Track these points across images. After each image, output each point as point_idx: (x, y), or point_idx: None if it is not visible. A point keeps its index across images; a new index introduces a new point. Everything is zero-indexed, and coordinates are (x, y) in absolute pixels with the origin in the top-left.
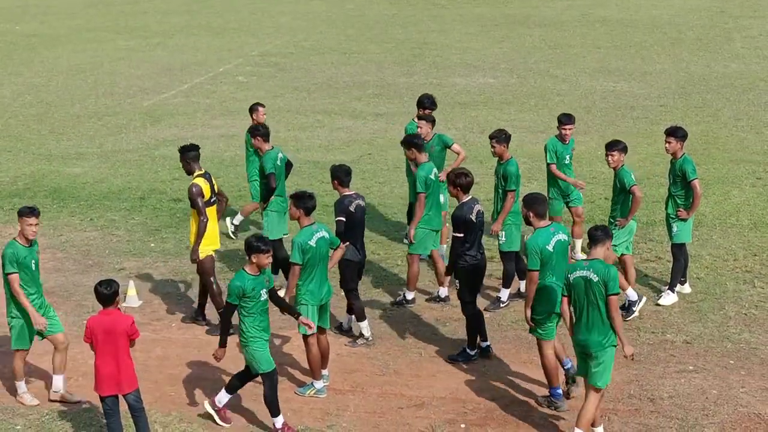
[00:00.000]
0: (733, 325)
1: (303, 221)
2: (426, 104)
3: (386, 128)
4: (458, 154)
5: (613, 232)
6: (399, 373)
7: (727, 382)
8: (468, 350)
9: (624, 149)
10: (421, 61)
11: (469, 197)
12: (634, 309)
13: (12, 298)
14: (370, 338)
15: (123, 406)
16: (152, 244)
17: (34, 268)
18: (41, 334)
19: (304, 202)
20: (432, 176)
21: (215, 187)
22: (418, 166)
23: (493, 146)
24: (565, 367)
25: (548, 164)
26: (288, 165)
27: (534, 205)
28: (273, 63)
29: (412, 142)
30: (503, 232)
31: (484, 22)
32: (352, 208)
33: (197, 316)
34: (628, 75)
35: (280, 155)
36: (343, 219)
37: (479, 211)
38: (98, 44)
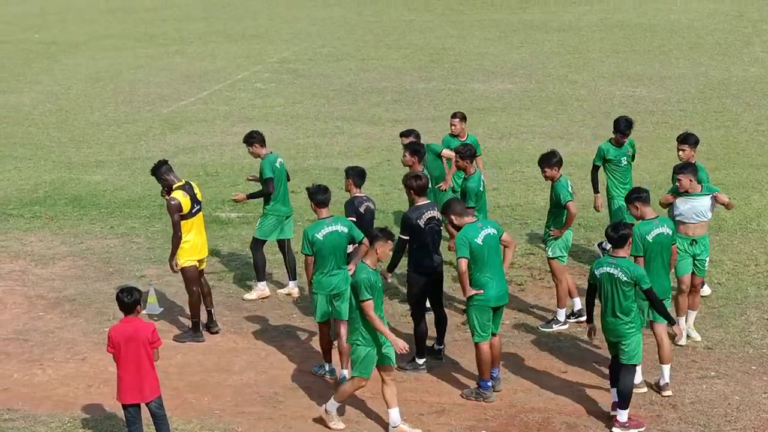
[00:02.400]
0: (755, 331)
1: (319, 213)
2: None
3: None
4: (450, 158)
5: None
6: (419, 380)
7: (749, 388)
8: (416, 359)
9: (696, 143)
10: (439, 67)
11: (426, 201)
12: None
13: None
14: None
15: (145, 414)
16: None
17: None
18: None
19: (315, 195)
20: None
21: (197, 196)
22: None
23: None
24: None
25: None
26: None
27: (451, 206)
28: (291, 70)
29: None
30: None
31: (503, 27)
32: (362, 210)
33: (209, 324)
34: (647, 80)
35: (279, 160)
36: (354, 219)
37: (432, 216)
38: (117, 52)
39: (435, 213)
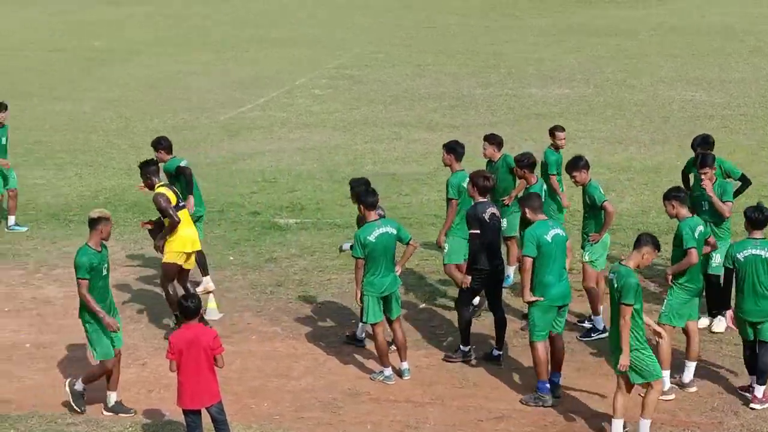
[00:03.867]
0: None
1: (368, 216)
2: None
3: (463, 140)
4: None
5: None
6: (478, 386)
7: None
8: (462, 347)
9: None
10: (496, 72)
11: (486, 199)
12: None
13: None
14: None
15: (206, 419)
16: (231, 257)
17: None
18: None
19: (366, 198)
20: (464, 184)
21: (179, 195)
22: (452, 174)
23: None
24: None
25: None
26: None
27: (529, 200)
28: (348, 75)
29: (450, 147)
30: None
31: (559, 31)
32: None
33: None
34: (706, 84)
35: (183, 162)
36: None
37: (493, 213)
38: (173, 58)
39: (495, 210)
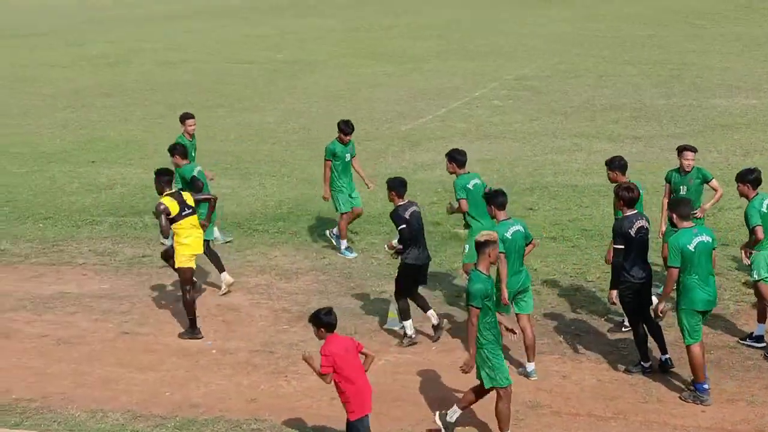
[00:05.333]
0: None
1: (499, 216)
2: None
3: (644, 151)
4: (716, 190)
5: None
6: (663, 401)
7: None
8: (642, 363)
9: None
10: (679, 83)
11: (634, 212)
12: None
13: None
14: (413, 336)
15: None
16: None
17: None
18: None
19: (495, 199)
20: (469, 185)
21: (188, 202)
22: (457, 177)
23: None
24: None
25: None
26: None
27: (678, 206)
28: (529, 86)
29: (451, 156)
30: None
31: (745, 41)
32: (407, 216)
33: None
34: None
35: (197, 169)
36: (405, 226)
37: (642, 226)
38: (355, 70)
39: (644, 222)
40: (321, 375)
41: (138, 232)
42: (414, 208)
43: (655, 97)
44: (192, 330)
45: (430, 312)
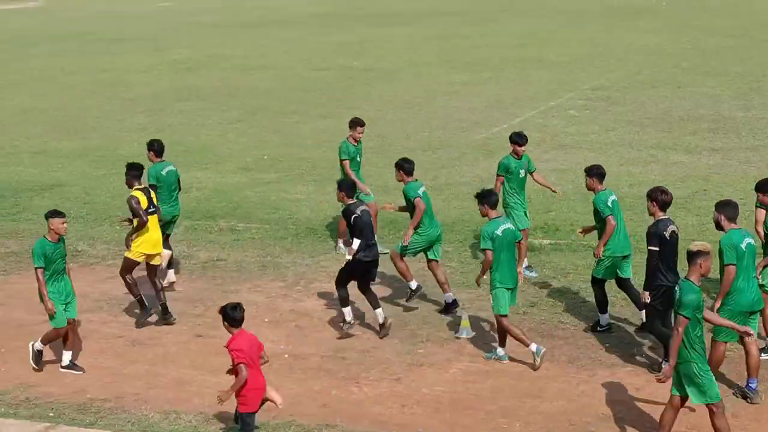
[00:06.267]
0: None
1: (490, 215)
2: None
3: (722, 164)
4: None
5: None
6: (737, 416)
7: None
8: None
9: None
10: (759, 95)
11: (666, 216)
12: None
13: None
14: (351, 321)
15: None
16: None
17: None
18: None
19: (488, 198)
20: (419, 191)
21: (153, 200)
22: (405, 185)
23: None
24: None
25: None
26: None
27: (725, 209)
28: (605, 97)
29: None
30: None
31: None
32: (358, 212)
33: (165, 314)
34: None
35: (167, 168)
36: (358, 216)
37: (674, 231)
38: (431, 78)
39: (675, 228)
40: (237, 376)
41: (212, 235)
42: (363, 207)
43: (733, 109)
44: (144, 312)
45: (378, 311)
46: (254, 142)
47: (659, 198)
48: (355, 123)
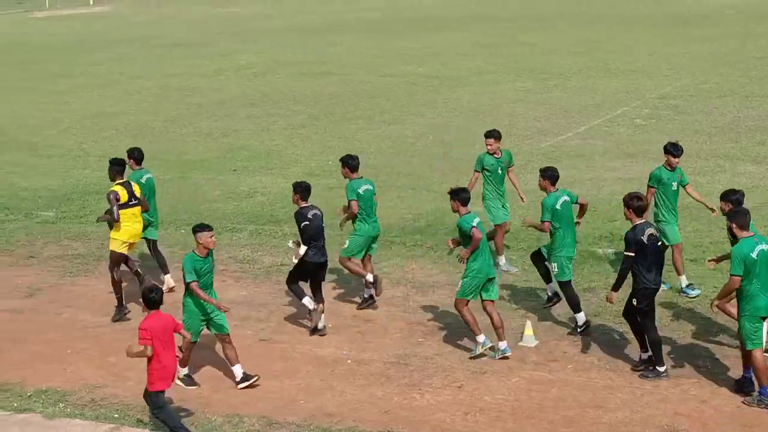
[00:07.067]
0: None
1: (461, 210)
2: None
3: None
4: None
5: None
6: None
7: None
8: (658, 368)
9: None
10: None
11: (643, 221)
12: None
13: None
14: (314, 308)
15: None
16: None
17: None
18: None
19: (459, 195)
20: (360, 190)
21: (136, 193)
22: (350, 181)
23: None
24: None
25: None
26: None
27: (736, 217)
28: (672, 106)
29: (343, 161)
30: (555, 264)
31: None
32: (309, 216)
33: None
34: None
35: (146, 176)
36: (308, 223)
37: (651, 234)
38: (497, 86)
39: (654, 231)
40: (141, 351)
41: (277, 240)
42: (315, 211)
43: None
44: (119, 310)
45: (320, 306)
46: (319, 147)
47: (634, 204)
48: (485, 135)
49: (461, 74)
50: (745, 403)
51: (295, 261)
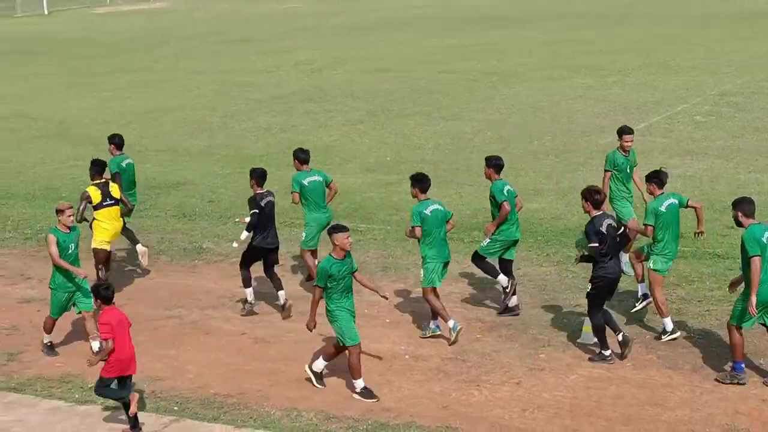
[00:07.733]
0: None
1: (420, 197)
2: None
3: None
4: None
5: None
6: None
7: None
8: (603, 352)
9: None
10: None
11: (600, 212)
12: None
13: None
14: (252, 302)
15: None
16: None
17: None
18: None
19: (420, 183)
20: (304, 181)
21: (113, 194)
22: (298, 173)
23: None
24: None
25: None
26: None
27: (742, 204)
28: (732, 103)
29: (294, 154)
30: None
31: None
32: (262, 204)
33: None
34: None
35: (126, 161)
36: (257, 211)
37: (610, 224)
38: (555, 82)
39: (612, 221)
40: (103, 349)
41: None
42: (270, 198)
43: None
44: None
45: (281, 293)
46: (376, 143)
47: (592, 198)
48: (619, 132)
49: (519, 70)
50: (718, 380)
51: (235, 246)
